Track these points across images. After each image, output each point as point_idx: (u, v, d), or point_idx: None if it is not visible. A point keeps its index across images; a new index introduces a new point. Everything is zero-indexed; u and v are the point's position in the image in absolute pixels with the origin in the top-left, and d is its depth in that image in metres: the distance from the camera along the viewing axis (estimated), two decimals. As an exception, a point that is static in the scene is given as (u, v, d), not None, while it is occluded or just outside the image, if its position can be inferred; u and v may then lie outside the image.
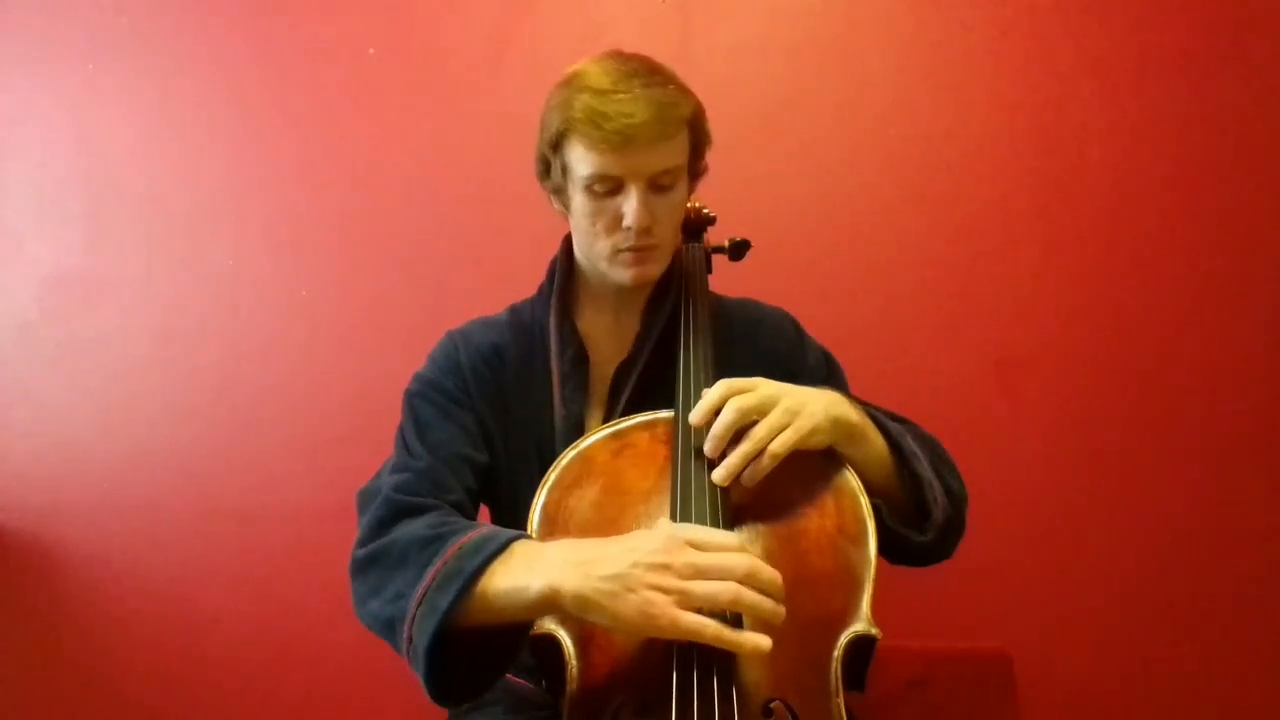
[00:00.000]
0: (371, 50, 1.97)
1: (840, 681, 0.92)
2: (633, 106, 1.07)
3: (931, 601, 1.57)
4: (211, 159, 1.99)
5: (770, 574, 0.87)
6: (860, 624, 0.94)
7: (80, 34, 2.00)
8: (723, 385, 1.02)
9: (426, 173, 1.95)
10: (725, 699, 0.87)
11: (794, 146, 1.87)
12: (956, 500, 1.13)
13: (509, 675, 1.21)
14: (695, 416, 1.03)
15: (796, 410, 1.01)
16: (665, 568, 0.85)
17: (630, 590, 0.85)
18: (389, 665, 1.79)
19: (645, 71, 1.12)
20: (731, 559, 0.86)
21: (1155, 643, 1.78)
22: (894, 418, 1.15)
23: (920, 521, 1.09)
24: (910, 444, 1.10)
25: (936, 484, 1.09)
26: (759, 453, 0.99)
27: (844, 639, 0.93)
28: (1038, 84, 1.85)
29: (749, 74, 1.89)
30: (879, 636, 0.94)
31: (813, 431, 1.01)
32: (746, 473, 1.00)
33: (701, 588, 0.84)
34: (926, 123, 1.86)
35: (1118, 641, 1.78)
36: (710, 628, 0.84)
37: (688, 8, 1.91)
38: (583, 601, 0.87)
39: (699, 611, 0.85)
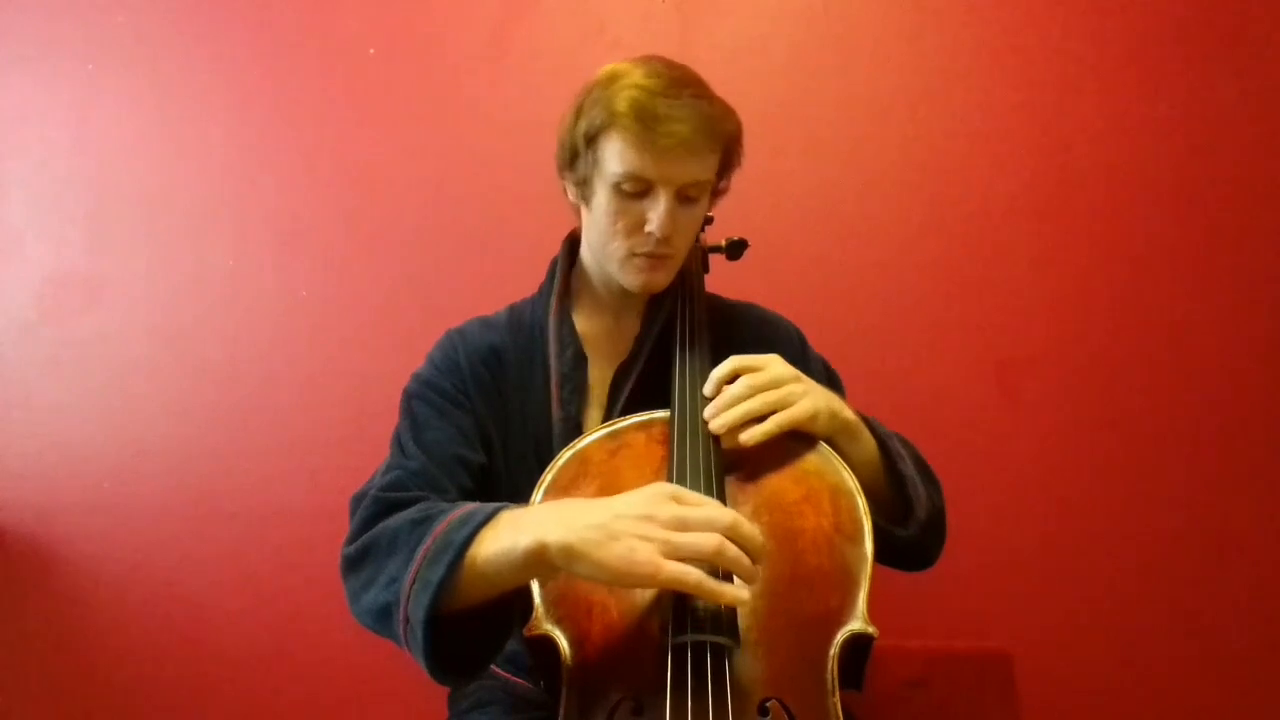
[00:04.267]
0: (371, 50, 1.97)
1: (837, 680, 0.92)
2: (684, 113, 1.07)
3: (931, 601, 1.57)
4: (211, 159, 1.99)
5: (751, 530, 0.87)
6: (857, 622, 0.94)
7: (80, 34, 2.01)
8: (734, 360, 1.08)
9: (426, 172, 1.95)
10: (720, 698, 0.86)
11: (794, 146, 1.87)
12: (937, 509, 1.16)
13: (508, 675, 1.22)
14: (708, 387, 1.08)
15: (802, 393, 1.06)
16: (649, 518, 0.86)
17: (614, 538, 0.85)
18: (388, 665, 1.80)
19: (694, 82, 1.12)
20: (715, 512, 0.87)
21: (1155, 643, 1.78)
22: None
23: (904, 518, 1.11)
24: (897, 446, 1.14)
25: (920, 484, 1.13)
26: (760, 418, 1.03)
27: (840, 637, 0.93)
28: (1038, 84, 1.84)
29: (749, 74, 1.88)
30: (876, 635, 0.94)
31: (814, 416, 1.05)
32: (744, 434, 1.03)
33: (685, 537, 0.85)
34: (926, 123, 1.86)
35: (1118, 641, 1.78)
36: (692, 575, 0.84)
37: (688, 7, 1.91)
38: (569, 551, 0.86)
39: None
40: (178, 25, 1.99)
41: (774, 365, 1.08)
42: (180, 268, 1.98)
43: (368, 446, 1.24)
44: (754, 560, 0.87)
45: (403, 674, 1.76)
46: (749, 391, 1.05)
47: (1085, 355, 1.82)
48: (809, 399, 1.05)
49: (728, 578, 0.88)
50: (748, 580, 0.87)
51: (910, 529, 1.11)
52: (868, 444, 1.11)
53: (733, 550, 0.85)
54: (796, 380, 1.07)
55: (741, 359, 1.08)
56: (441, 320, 1.31)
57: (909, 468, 1.13)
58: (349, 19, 1.97)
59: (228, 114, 1.99)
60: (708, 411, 1.06)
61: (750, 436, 1.03)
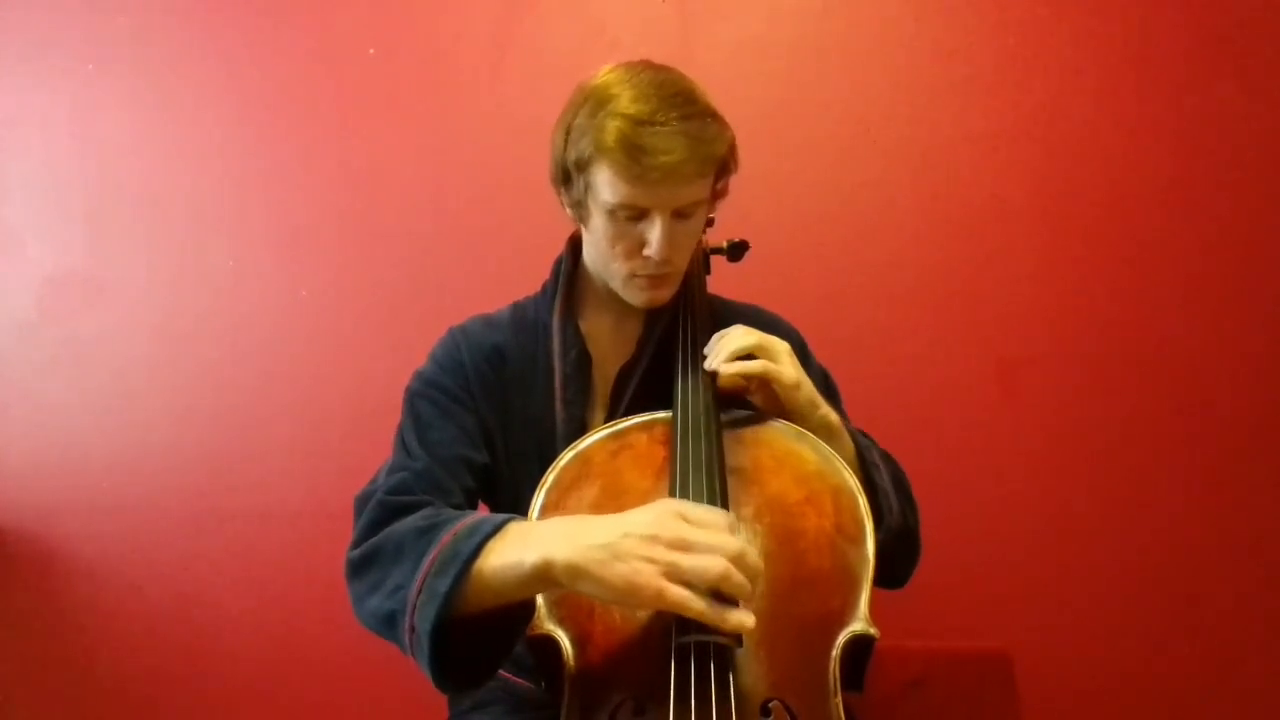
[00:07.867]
0: (371, 50, 1.97)
1: (838, 681, 0.92)
2: (671, 142, 1.05)
3: (931, 601, 1.57)
4: (211, 159, 1.99)
5: (755, 558, 0.86)
6: (858, 624, 0.94)
7: (80, 34, 2.01)
8: (739, 327, 1.14)
9: (426, 172, 1.95)
10: (723, 699, 0.86)
11: (794, 146, 1.87)
12: (909, 528, 1.17)
13: (509, 675, 1.22)
14: (710, 348, 1.14)
15: (793, 365, 1.11)
16: (654, 539, 0.85)
17: (619, 559, 0.85)
18: (389, 665, 1.80)
19: (683, 99, 1.08)
20: (721, 538, 0.86)
21: (1155, 643, 1.78)
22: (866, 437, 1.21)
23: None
24: (874, 456, 1.16)
25: (893, 496, 1.14)
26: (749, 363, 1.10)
27: (842, 639, 0.93)
28: (1038, 84, 1.84)
29: (749, 74, 1.88)
30: (877, 636, 0.94)
31: (797, 385, 1.10)
32: (730, 367, 1.10)
33: (689, 561, 0.84)
34: (926, 123, 1.86)
35: (1118, 641, 1.78)
36: (695, 604, 0.83)
37: (688, 8, 1.90)
38: (574, 570, 0.86)
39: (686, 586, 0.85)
40: (178, 25, 1.99)
41: (774, 340, 1.13)
42: (180, 268, 1.98)
43: (368, 446, 1.24)
44: (751, 585, 0.86)
45: (403, 674, 1.76)
46: (748, 339, 1.10)
47: (1085, 355, 1.82)
48: (797, 371, 1.11)
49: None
50: (744, 600, 0.87)
51: (878, 535, 1.11)
52: (845, 448, 1.12)
53: (737, 577, 0.84)
54: (792, 355, 1.12)
55: (746, 329, 1.14)
56: (442, 319, 1.30)
57: (884, 480, 1.13)
58: (349, 19, 1.97)
59: (228, 114, 1.99)
60: (708, 361, 1.13)
61: (731, 368, 1.09)
